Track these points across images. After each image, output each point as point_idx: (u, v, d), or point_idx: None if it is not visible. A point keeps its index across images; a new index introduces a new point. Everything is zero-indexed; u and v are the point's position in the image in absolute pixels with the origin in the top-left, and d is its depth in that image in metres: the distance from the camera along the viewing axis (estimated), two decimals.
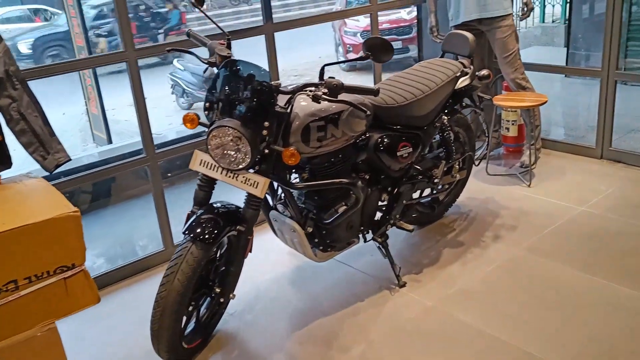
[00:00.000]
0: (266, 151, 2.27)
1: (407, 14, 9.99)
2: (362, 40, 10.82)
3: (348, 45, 10.99)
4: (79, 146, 7.86)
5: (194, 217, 2.33)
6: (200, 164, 2.38)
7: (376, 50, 2.29)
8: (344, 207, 2.63)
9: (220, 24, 2.51)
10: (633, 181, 3.73)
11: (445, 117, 3.03)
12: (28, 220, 1.99)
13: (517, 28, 9.00)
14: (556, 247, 3.07)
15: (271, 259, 3.16)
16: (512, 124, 4.28)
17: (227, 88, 2.26)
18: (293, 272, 3.07)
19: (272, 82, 2.28)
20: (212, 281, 2.48)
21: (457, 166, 3.22)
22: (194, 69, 10.10)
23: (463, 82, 3.06)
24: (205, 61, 2.39)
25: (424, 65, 3.12)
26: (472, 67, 3.14)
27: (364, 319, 2.66)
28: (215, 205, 2.44)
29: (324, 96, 2.23)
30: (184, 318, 2.33)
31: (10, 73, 2.28)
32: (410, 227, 2.92)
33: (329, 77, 2.31)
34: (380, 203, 2.92)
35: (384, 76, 3.02)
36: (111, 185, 4.05)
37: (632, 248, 3.00)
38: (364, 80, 10.75)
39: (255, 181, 2.29)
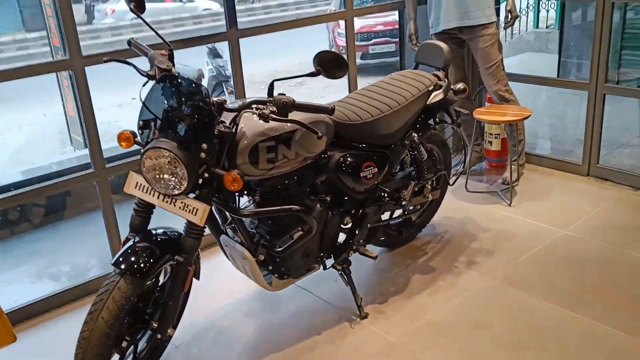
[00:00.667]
0: (206, 175, 2.05)
1: None
2: (355, 43, 10.87)
3: (341, 47, 10.77)
4: (58, 149, 7.63)
5: (125, 246, 2.10)
6: (135, 187, 2.15)
7: (328, 65, 2.07)
8: (300, 234, 2.41)
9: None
10: (619, 202, 3.51)
11: (416, 135, 2.81)
12: None
13: (510, 34, 8.83)
14: (533, 276, 2.85)
15: (225, 285, 2.93)
16: (495, 138, 4.06)
17: (163, 105, 2.03)
18: (249, 300, 2.85)
19: (217, 99, 2.06)
20: (150, 314, 2.26)
21: (430, 186, 3.01)
22: (182, 70, 9.83)
23: (436, 96, 2.84)
24: (144, 73, 2.16)
25: (394, 77, 2.90)
26: (446, 80, 2.92)
27: (320, 355, 2.44)
28: (154, 231, 2.22)
29: (272, 115, 2.02)
30: (113, 357, 2.10)
31: None
32: (374, 254, 2.70)
33: (279, 94, 2.09)
34: (343, 226, 2.70)
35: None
36: (66, 198, 3.82)
37: (615, 278, 2.79)
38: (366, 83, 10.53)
39: (194, 208, 2.07)
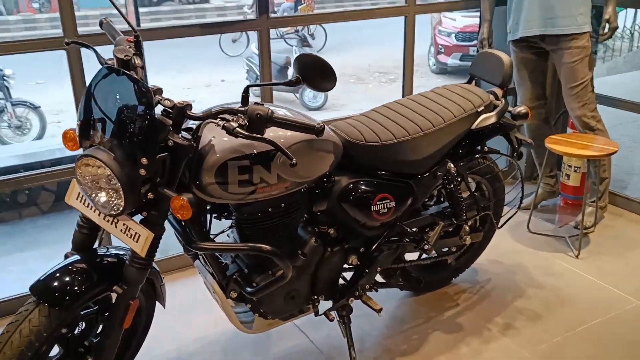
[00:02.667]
0: (150, 195, 1.65)
1: None
2: (456, 42, 10.15)
3: (440, 46, 10.15)
4: None
5: (54, 267, 1.75)
6: (77, 198, 1.79)
7: (310, 73, 1.60)
8: (278, 274, 1.96)
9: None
10: None
11: (453, 165, 2.27)
12: None
13: (629, 47, 7.77)
14: (584, 357, 2.24)
15: (208, 316, 2.52)
16: (575, 171, 3.39)
17: (104, 103, 1.65)
18: (232, 335, 2.44)
19: (179, 102, 1.65)
20: (89, 348, 1.91)
21: (468, 228, 2.45)
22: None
23: (486, 119, 2.29)
24: (104, 62, 1.79)
25: (438, 92, 2.36)
26: (503, 100, 2.35)
27: None
28: (100, 251, 1.86)
29: (238, 130, 1.58)
30: None
31: None
32: (379, 306, 2.20)
33: (256, 103, 1.64)
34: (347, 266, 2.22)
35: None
36: None
37: None
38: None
39: (135, 233, 1.68)
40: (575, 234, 3.11)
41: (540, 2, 2.92)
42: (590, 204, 3.14)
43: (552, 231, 3.21)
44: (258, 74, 9.77)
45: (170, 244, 2.07)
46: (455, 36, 9.84)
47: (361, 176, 2.10)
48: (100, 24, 1.92)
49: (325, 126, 1.80)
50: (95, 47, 1.83)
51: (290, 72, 9.81)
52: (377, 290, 2.38)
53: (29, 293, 1.72)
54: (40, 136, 7.69)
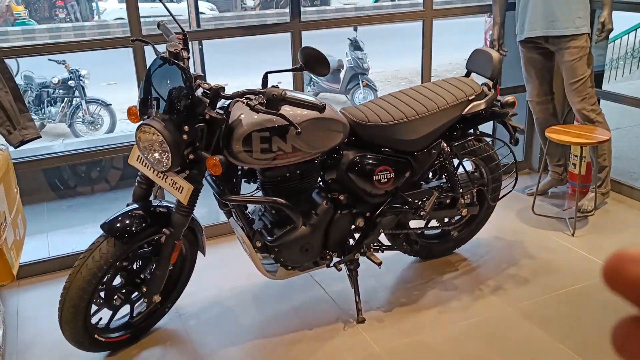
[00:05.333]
0: (191, 156, 2.15)
1: None
2: None
3: None
4: None
5: (118, 211, 2.28)
6: (137, 160, 2.31)
7: (311, 61, 2.05)
8: (292, 228, 2.42)
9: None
10: None
11: (446, 144, 2.67)
12: None
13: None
14: (558, 315, 2.59)
15: (243, 269, 2.99)
16: (581, 160, 3.69)
17: (159, 85, 2.16)
18: (261, 284, 2.91)
19: (215, 85, 2.14)
20: (143, 279, 2.42)
21: (464, 200, 2.84)
22: None
23: (475, 106, 2.67)
24: (158, 54, 2.31)
25: (436, 83, 2.77)
26: (493, 90, 2.73)
27: (299, 351, 2.44)
28: (153, 202, 2.37)
29: (258, 106, 2.05)
30: (91, 311, 2.29)
31: None
32: (379, 260, 2.63)
33: (273, 86, 2.12)
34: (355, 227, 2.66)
35: None
36: None
37: None
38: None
39: (180, 186, 2.18)
40: (580, 216, 3.42)
41: (542, 7, 3.27)
42: (583, 189, 3.44)
43: (555, 214, 3.53)
44: (311, 76, 10.31)
45: (222, 214, 2.54)
46: None
47: (365, 151, 2.53)
48: (158, 25, 2.45)
49: (329, 106, 2.26)
50: (152, 43, 2.34)
51: (343, 75, 10.31)
52: (382, 251, 2.81)
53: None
54: (110, 130, 8.42)
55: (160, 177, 2.23)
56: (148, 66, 2.20)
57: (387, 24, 3.49)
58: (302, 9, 3.27)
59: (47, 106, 8.52)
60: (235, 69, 10.74)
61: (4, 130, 2.47)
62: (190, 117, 2.08)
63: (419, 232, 2.95)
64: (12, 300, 2.85)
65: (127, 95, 9.46)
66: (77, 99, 8.39)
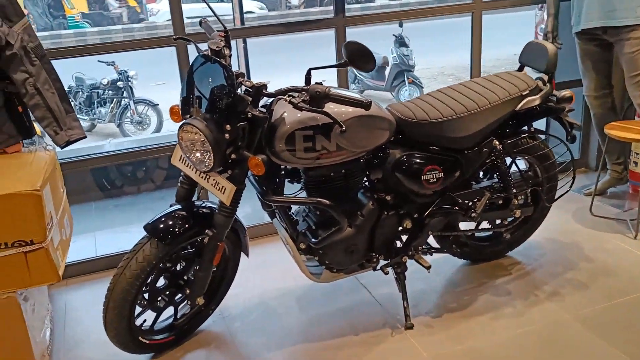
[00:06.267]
0: (233, 156, 2.10)
1: None
2: None
3: None
4: None
5: (161, 212, 2.25)
6: (179, 160, 2.28)
7: (356, 57, 1.97)
8: (337, 229, 2.35)
9: None
10: None
11: (498, 142, 2.54)
12: None
13: None
14: (621, 325, 2.43)
15: (287, 273, 2.92)
16: None
17: (201, 83, 2.12)
18: (306, 286, 2.85)
19: (257, 83, 2.09)
20: (187, 281, 2.39)
21: (518, 201, 2.70)
22: None
23: (530, 102, 2.54)
24: (201, 53, 2.27)
25: (487, 77, 2.65)
26: (548, 85, 2.59)
27: (345, 357, 2.36)
28: (197, 203, 2.34)
29: (301, 104, 1.99)
30: (135, 313, 2.27)
31: (29, 49, 2.39)
32: (428, 263, 2.52)
33: (316, 83, 2.05)
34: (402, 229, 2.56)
35: None
36: None
37: None
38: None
39: (223, 186, 2.14)
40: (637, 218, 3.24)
41: None
42: None
43: (615, 215, 3.34)
44: (356, 73, 10.23)
45: (265, 214, 2.50)
46: None
47: (413, 150, 2.43)
48: (200, 23, 2.41)
49: (375, 103, 2.18)
50: (194, 41, 2.31)
51: (388, 72, 10.17)
52: (431, 254, 2.71)
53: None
54: (157, 130, 8.53)
55: (202, 177, 2.19)
56: (190, 64, 2.16)
57: (434, 18, 3.37)
58: (346, 6, 3.18)
59: (97, 107, 8.71)
60: (279, 69, 10.76)
61: (51, 130, 2.48)
62: (232, 116, 2.03)
63: (469, 234, 2.83)
64: (60, 299, 2.87)
65: (175, 95, 9.64)
66: (126, 100, 8.54)
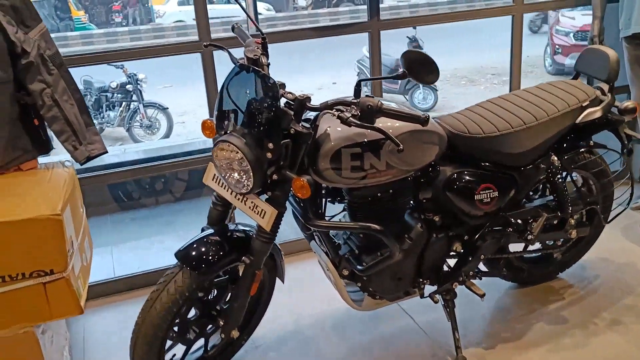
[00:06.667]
0: (275, 177, 1.89)
1: None
2: (574, 42, 9.80)
3: (557, 47, 9.84)
4: None
5: (193, 238, 2.04)
6: (213, 179, 2.07)
7: (416, 67, 1.76)
8: (387, 256, 2.14)
9: None
10: None
11: (557, 158, 2.34)
12: (5, 216, 1.87)
13: None
14: None
15: (323, 295, 2.72)
16: None
17: (238, 96, 1.91)
18: (342, 311, 2.64)
19: (300, 95, 1.88)
20: (220, 311, 2.19)
21: (574, 221, 2.49)
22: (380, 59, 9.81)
23: (591, 114, 2.33)
24: (236, 61, 2.06)
25: (542, 87, 2.44)
26: (609, 95, 2.37)
27: None
28: (231, 227, 2.13)
29: (352, 119, 1.78)
30: (165, 346, 2.06)
31: (46, 57, 2.19)
32: (482, 291, 2.32)
33: (367, 96, 1.84)
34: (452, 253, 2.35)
35: None
36: None
37: None
38: None
39: (262, 210, 1.93)
40: None
41: None
42: None
43: None
44: (369, 75, 10.01)
45: (289, 231, 2.30)
46: (573, 35, 9.50)
47: (465, 167, 2.22)
48: (233, 28, 2.20)
49: (431, 118, 1.96)
50: (227, 48, 2.10)
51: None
52: (480, 278, 2.49)
53: (167, 267, 2.04)
54: (167, 135, 8.36)
55: (239, 199, 1.99)
56: (227, 75, 1.95)
57: (473, 20, 3.16)
58: (347, 7, 2.98)
59: (106, 110, 8.53)
60: (294, 71, 10.57)
61: (70, 146, 2.28)
62: (274, 132, 1.82)
63: (520, 255, 2.61)
64: (78, 325, 2.67)
65: (183, 98, 9.44)
66: (135, 103, 8.37)
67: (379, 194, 2.12)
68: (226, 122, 1.94)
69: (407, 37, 10.12)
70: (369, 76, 10.47)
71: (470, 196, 2.20)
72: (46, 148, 2.35)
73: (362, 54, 9.82)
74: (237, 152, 1.84)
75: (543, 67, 10.87)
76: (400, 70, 1.77)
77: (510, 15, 3.20)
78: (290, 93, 1.91)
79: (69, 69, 2.29)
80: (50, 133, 2.32)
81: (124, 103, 8.40)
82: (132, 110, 8.38)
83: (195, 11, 2.62)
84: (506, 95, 2.42)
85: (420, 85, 9.25)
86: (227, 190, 2.02)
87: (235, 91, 1.92)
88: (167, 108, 8.38)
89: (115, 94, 8.45)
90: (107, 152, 2.38)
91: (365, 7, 2.98)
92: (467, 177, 2.20)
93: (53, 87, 2.21)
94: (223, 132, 1.95)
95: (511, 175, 2.28)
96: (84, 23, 12.22)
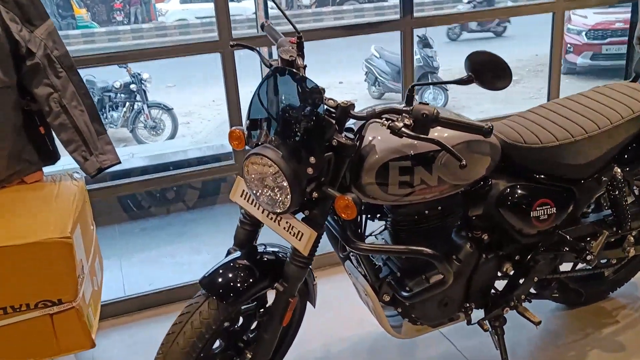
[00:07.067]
0: (315, 195, 1.66)
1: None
2: (586, 41, 9.58)
3: (568, 45, 9.61)
4: None
5: (219, 262, 1.81)
6: (241, 196, 1.85)
7: (483, 71, 1.53)
8: (436, 280, 1.91)
9: None
10: None
11: (619, 170, 2.11)
12: (7, 240, 1.65)
13: None
14: None
15: (353, 312, 2.50)
16: None
17: (273, 103, 1.68)
18: (376, 335, 2.41)
19: (343, 102, 1.65)
20: (247, 342, 1.96)
21: (633, 238, 2.27)
22: (389, 57, 9.58)
23: None
24: (268, 63, 1.84)
25: (599, 91, 2.21)
26: None
27: None
28: (259, 248, 1.90)
29: (405, 130, 1.55)
30: None
31: (54, 58, 1.97)
32: (538, 319, 2.09)
33: (421, 103, 1.60)
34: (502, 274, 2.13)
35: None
36: (221, 184, 3.74)
37: None
38: (578, 89, 9.34)
39: (299, 232, 1.70)
40: None
41: None
42: None
43: None
44: (377, 75, 9.79)
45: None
46: (586, 34, 9.29)
47: (519, 180, 2.00)
48: (262, 26, 1.98)
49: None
50: (257, 49, 1.87)
51: None
52: (530, 301, 2.27)
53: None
54: (172, 136, 8.14)
55: (272, 218, 1.76)
56: (262, 79, 1.72)
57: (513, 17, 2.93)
58: (349, 6, 2.76)
59: (109, 111, 8.32)
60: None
61: (79, 156, 2.06)
62: (316, 145, 1.60)
63: (571, 275, 2.39)
64: (87, 352, 2.44)
65: (188, 98, 9.21)
66: (139, 104, 8.16)
67: (426, 212, 1.90)
68: (258, 132, 1.72)
69: (417, 36, 9.88)
70: (377, 76, 10.13)
71: (525, 213, 1.97)
72: (53, 159, 2.13)
73: (371, 53, 9.60)
74: (273, 166, 1.61)
75: None
76: (465, 75, 1.54)
77: (552, 12, 2.97)
78: (331, 99, 1.68)
79: (79, 72, 2.06)
80: (57, 142, 2.10)
81: (127, 103, 8.19)
82: (136, 110, 8.17)
83: (216, 8, 2.40)
84: (560, 100, 2.19)
85: (431, 85, 9.03)
86: (258, 209, 1.79)
87: (269, 97, 1.70)
88: (172, 109, 8.16)
89: (119, 94, 8.24)
90: (120, 162, 2.16)
91: (371, 5, 2.75)
92: (523, 192, 1.97)
93: (61, 92, 1.99)
94: (254, 143, 1.73)
95: (570, 188, 2.05)
96: (86, 21, 11.98)
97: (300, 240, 1.70)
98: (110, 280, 2.93)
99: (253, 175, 1.69)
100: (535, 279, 2.11)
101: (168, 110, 8.15)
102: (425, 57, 8.92)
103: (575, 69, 9.80)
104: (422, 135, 1.56)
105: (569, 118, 2.06)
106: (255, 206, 1.80)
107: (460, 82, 1.54)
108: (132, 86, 8.01)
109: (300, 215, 1.74)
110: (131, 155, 4.24)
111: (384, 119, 1.61)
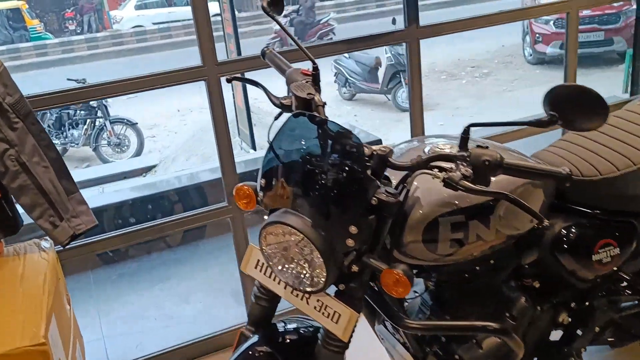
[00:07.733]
0: (354, 268, 1.33)
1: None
2: (555, 30, 9.44)
3: (537, 35, 9.55)
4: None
5: (236, 353, 1.47)
6: (256, 267, 1.50)
7: (570, 109, 1.21)
8: (491, 343, 1.61)
9: None
10: None
11: None
12: None
13: None
14: None
15: None
16: None
17: (296, 155, 1.34)
18: None
19: (379, 149, 1.32)
20: None
21: None
22: (358, 57, 9.28)
23: None
24: (278, 102, 1.49)
25: (635, 110, 1.93)
26: None
27: None
28: (279, 327, 1.56)
29: (464, 182, 1.23)
30: None
31: (6, 106, 1.59)
32: None
33: (478, 145, 1.28)
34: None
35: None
36: None
37: None
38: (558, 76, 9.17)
39: (335, 312, 1.36)
40: None
41: None
42: None
43: None
44: (347, 76, 9.44)
45: None
46: (554, 23, 9.18)
47: (575, 218, 1.71)
48: (263, 54, 1.63)
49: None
50: (265, 88, 1.52)
51: (381, 73, 9.33)
52: (585, 350, 1.98)
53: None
54: (138, 153, 7.71)
55: (297, 295, 1.42)
56: (279, 128, 1.37)
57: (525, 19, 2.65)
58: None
59: (69, 129, 7.87)
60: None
61: (47, 223, 1.68)
62: (357, 210, 1.26)
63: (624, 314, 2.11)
64: None
65: (151, 109, 8.73)
66: (101, 120, 7.73)
67: (477, 267, 1.58)
68: (276, 192, 1.37)
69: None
70: (347, 77, 9.74)
71: (587, 256, 1.68)
72: (13, 228, 1.74)
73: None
74: (297, 235, 1.28)
75: (522, 57, 10.58)
76: (545, 115, 1.21)
77: (565, 12, 2.70)
78: (365, 146, 1.35)
79: (39, 120, 1.68)
80: (19, 207, 1.72)
81: (88, 120, 7.74)
82: (97, 127, 7.73)
83: (197, 31, 2.03)
84: (609, 120, 1.90)
85: (404, 83, 8.73)
86: (279, 283, 1.45)
87: (288, 148, 1.35)
88: (137, 123, 7.73)
89: (78, 111, 7.79)
90: (97, 224, 1.78)
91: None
92: (582, 232, 1.68)
93: (18, 147, 1.62)
94: (270, 205, 1.38)
95: (630, 223, 1.77)
96: (40, 32, 11.35)
97: (337, 323, 1.36)
98: (89, 345, 2.55)
99: (274, 247, 1.35)
100: (597, 328, 1.83)
101: (132, 125, 7.72)
102: (397, 55, 8.63)
103: (545, 58, 9.72)
104: (489, 190, 1.24)
105: (624, 141, 1.78)
106: (274, 279, 1.46)
107: (539, 124, 1.21)
108: (92, 102, 7.57)
109: (331, 288, 1.42)
110: (101, 190, 3.83)
111: (436, 169, 1.29)
